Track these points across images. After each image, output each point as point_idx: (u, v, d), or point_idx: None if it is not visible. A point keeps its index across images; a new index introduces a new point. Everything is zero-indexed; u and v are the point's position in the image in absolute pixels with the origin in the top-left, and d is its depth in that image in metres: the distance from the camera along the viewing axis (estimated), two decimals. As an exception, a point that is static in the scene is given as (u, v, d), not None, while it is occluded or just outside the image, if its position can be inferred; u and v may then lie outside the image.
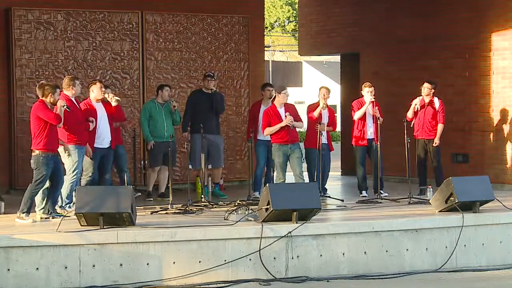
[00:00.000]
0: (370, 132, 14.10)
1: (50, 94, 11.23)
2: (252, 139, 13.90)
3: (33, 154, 11.23)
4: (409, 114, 14.41)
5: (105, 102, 12.80)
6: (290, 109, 13.30)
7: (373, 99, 14.03)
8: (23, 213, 11.16)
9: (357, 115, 14.17)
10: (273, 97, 13.59)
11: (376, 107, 14.06)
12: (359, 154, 14.28)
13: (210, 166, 14.51)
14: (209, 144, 14.25)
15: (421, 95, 14.41)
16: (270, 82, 22.71)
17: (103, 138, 12.70)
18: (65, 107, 11.35)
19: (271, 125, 13.13)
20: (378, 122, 13.97)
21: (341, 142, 19.79)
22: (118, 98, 13.01)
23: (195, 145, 14.22)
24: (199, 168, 14.14)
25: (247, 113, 16.20)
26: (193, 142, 14.31)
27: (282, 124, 13.12)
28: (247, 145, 14.29)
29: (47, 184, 11.45)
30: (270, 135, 13.24)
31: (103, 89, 12.75)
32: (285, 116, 13.12)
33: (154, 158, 14.23)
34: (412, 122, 14.44)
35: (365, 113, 14.14)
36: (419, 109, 14.32)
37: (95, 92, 12.62)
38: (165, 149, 13.69)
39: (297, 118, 13.29)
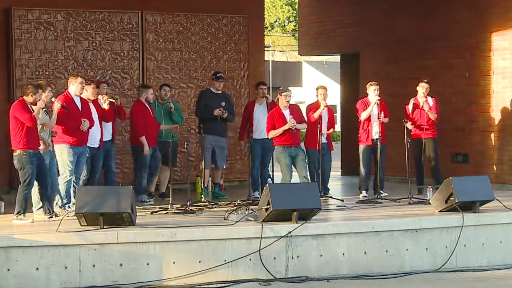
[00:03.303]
0: (375, 132, 14.07)
1: (31, 93, 11.16)
2: (252, 139, 13.87)
3: (14, 154, 11.15)
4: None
5: (96, 102, 12.79)
6: (295, 110, 13.34)
7: (378, 100, 14.02)
8: (20, 214, 11.14)
9: (363, 116, 14.13)
10: (276, 98, 13.60)
11: (382, 111, 14.05)
12: (363, 153, 14.24)
13: (213, 166, 14.51)
14: (215, 145, 14.26)
15: (415, 96, 14.52)
16: (270, 82, 22.65)
17: (94, 137, 12.62)
18: (60, 106, 11.39)
19: (275, 128, 13.12)
20: (383, 121, 13.99)
21: (341, 142, 19.77)
22: (113, 101, 12.97)
23: (204, 146, 14.19)
24: (209, 168, 14.17)
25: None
26: (203, 142, 14.26)
27: (285, 127, 13.10)
28: (247, 145, 14.25)
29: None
30: (274, 138, 13.23)
31: (96, 89, 12.84)
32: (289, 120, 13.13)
33: None
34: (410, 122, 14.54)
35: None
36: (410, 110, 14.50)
37: (88, 91, 12.57)
38: (163, 149, 13.67)
39: (300, 119, 13.32)
